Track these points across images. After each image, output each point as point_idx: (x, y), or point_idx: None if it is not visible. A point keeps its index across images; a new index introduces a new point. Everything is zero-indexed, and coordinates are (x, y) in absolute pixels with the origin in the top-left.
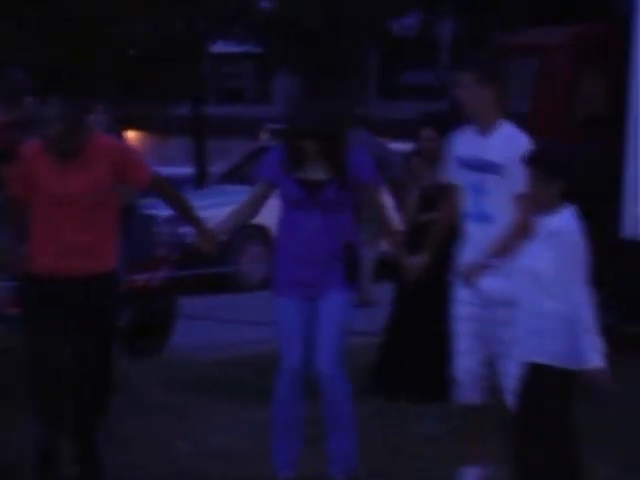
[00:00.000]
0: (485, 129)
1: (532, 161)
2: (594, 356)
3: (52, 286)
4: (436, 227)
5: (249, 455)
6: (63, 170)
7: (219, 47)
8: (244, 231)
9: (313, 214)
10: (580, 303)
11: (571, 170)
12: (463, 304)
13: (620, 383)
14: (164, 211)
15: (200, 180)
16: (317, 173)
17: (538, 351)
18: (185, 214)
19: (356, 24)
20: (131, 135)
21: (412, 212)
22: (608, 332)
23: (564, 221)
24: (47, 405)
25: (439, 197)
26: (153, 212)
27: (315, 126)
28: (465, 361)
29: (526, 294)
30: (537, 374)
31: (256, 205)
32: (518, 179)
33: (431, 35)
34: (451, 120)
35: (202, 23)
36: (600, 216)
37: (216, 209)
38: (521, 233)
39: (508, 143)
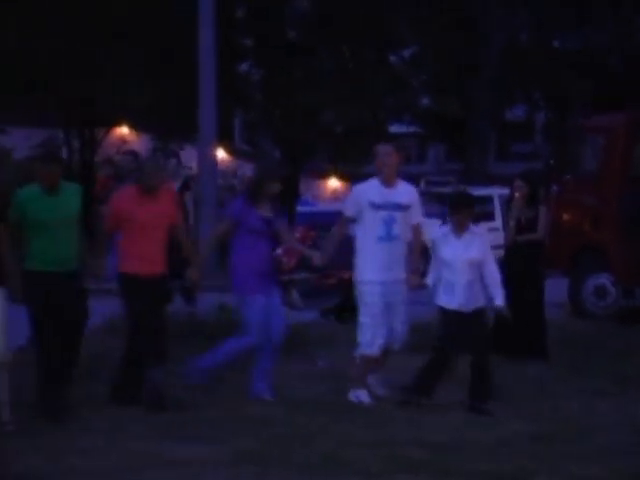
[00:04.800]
0: (391, 182)
1: (460, 201)
2: (499, 298)
3: None
4: None
5: None
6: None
7: (395, 128)
8: None
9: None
10: (492, 272)
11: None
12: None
13: None
14: None
15: None
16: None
17: (474, 302)
18: None
19: (483, 112)
20: (337, 184)
21: (512, 234)
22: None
23: (476, 227)
24: None
25: (531, 224)
26: None
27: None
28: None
29: (465, 275)
30: (473, 316)
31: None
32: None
33: (531, 120)
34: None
35: (383, 113)
36: None
37: None
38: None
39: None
